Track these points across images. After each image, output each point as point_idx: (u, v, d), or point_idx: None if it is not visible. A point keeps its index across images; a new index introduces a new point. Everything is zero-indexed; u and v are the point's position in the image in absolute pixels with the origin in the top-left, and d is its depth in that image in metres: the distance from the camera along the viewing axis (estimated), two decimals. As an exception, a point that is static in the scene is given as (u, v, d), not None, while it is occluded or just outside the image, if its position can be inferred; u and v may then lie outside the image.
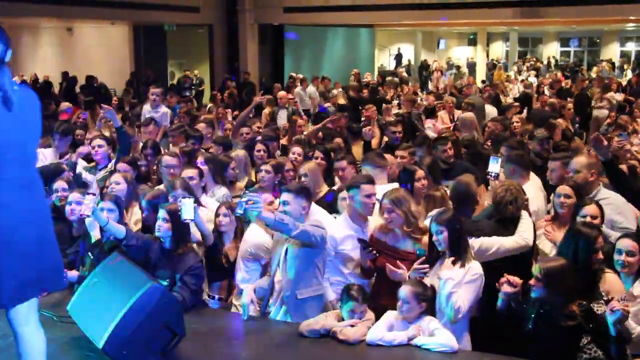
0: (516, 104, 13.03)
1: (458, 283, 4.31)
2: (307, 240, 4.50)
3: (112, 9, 18.19)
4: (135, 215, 5.77)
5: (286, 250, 4.68)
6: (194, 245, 5.14)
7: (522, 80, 21.77)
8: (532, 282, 4.08)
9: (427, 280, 4.45)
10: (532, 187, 5.82)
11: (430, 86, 24.39)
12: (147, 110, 10.44)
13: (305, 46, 25.30)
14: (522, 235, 4.85)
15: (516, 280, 4.14)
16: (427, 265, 4.46)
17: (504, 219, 4.99)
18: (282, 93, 13.23)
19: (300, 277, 4.61)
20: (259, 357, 4.18)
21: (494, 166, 5.79)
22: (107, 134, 8.44)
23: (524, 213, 5.03)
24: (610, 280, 4.29)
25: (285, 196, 4.71)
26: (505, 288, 4.13)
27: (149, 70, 20.77)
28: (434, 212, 5.00)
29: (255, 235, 5.10)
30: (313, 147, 7.62)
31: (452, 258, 4.38)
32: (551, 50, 36.04)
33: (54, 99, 14.92)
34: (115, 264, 4.38)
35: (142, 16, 19.55)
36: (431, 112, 12.13)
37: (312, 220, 4.67)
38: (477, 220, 5.17)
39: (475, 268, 4.38)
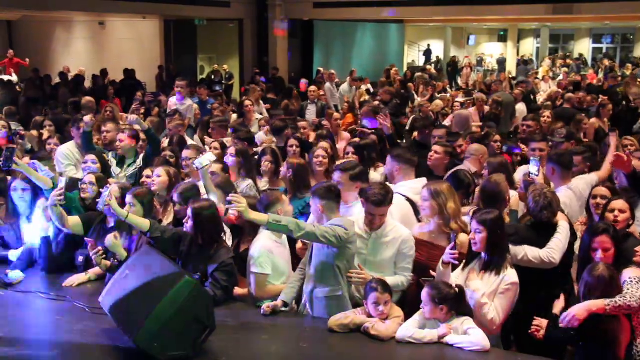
0: (548, 102, 12.88)
1: (492, 293, 4.26)
2: (317, 241, 4.46)
3: (144, 3, 18.33)
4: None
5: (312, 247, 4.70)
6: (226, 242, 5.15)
7: (553, 78, 21.54)
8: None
9: (456, 279, 4.42)
10: (570, 190, 5.71)
11: (460, 82, 24.24)
12: (173, 102, 10.61)
13: (334, 41, 25.24)
14: (550, 254, 4.74)
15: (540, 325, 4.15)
16: (456, 252, 4.39)
17: (538, 224, 4.89)
18: (312, 88, 13.22)
19: (318, 276, 4.60)
20: (289, 351, 4.19)
21: (534, 167, 5.64)
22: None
23: (562, 223, 4.91)
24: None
25: (311, 201, 4.76)
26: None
27: (171, 65, 20.85)
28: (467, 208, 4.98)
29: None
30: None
31: (482, 269, 4.36)
32: (583, 47, 35.56)
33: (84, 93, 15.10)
34: (147, 257, 4.40)
35: (173, 10, 19.66)
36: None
37: (336, 220, 4.60)
38: (510, 224, 5.10)
39: (510, 277, 4.30)
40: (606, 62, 28.58)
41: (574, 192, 5.77)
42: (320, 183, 5.11)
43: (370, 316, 4.32)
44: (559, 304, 4.23)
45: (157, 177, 6.02)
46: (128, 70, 18.48)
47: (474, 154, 6.69)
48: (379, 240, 4.74)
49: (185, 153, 6.67)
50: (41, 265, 5.45)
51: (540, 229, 4.87)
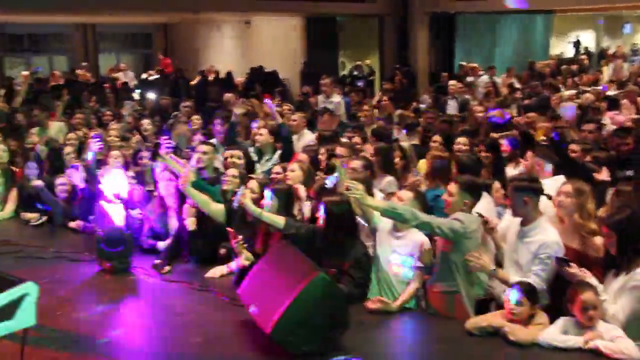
0: None
1: (620, 288, 4.02)
2: (432, 231, 4.44)
3: (289, 2, 18.79)
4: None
5: None
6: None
7: None
8: None
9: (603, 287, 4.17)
10: None
11: (611, 74, 22.80)
12: (321, 100, 10.80)
13: (476, 35, 24.57)
14: None
15: None
16: (583, 271, 4.13)
17: None
18: (452, 82, 12.99)
19: (438, 270, 4.58)
20: (424, 351, 4.12)
21: None
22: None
23: None
24: None
25: (450, 186, 4.67)
26: None
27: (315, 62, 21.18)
28: None
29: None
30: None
31: (617, 271, 4.10)
32: None
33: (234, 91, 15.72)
34: (284, 252, 4.48)
35: (317, 8, 19.95)
36: (613, 103, 11.14)
37: (459, 214, 4.51)
38: None
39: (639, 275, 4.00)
40: None
41: None
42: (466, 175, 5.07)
43: (510, 320, 4.14)
44: None
45: (291, 171, 6.03)
46: (255, 68, 18.96)
47: None
48: (522, 239, 4.53)
49: (339, 150, 6.68)
50: (186, 256, 5.71)
51: None
